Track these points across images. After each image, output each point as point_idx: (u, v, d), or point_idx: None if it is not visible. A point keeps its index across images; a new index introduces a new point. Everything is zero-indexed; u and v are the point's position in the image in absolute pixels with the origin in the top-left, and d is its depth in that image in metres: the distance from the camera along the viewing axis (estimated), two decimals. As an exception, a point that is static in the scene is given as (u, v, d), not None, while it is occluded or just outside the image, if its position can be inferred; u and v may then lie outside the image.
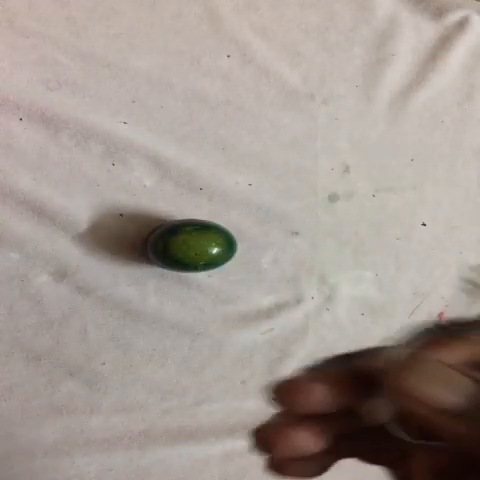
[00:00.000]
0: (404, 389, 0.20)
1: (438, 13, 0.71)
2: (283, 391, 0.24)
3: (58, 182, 0.63)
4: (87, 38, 0.62)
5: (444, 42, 0.71)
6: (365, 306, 0.73)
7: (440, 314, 0.76)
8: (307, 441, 0.23)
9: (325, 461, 0.24)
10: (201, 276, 0.68)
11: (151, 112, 0.64)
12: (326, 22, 0.68)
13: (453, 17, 0.71)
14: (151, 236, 0.62)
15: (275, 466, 0.24)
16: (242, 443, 0.71)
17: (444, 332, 0.23)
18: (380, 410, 0.21)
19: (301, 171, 0.69)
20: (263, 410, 0.80)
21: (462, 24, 0.71)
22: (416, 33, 0.71)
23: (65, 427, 0.66)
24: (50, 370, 0.65)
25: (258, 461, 0.79)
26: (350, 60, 0.69)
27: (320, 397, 0.23)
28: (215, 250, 0.61)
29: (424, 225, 0.74)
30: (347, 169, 0.71)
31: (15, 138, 0.61)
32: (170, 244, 0.60)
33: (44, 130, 0.61)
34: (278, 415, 0.24)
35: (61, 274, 0.64)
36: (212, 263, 0.62)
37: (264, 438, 0.24)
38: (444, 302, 0.76)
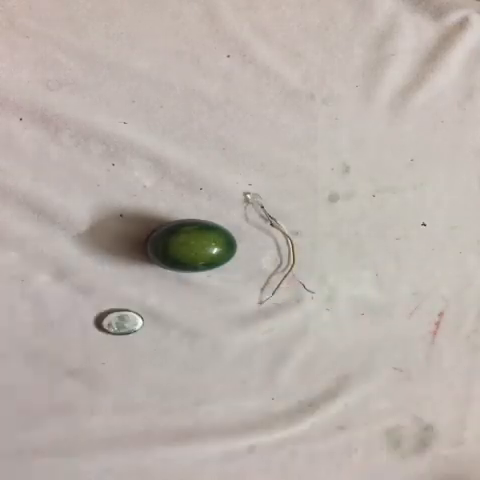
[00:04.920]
0: None
1: (438, 13, 0.71)
2: None
3: (58, 182, 0.63)
4: (87, 38, 0.62)
5: (444, 42, 0.71)
6: (365, 306, 0.73)
7: (440, 314, 0.76)
8: None
9: None
10: (201, 276, 0.68)
11: (151, 112, 0.64)
12: (326, 22, 0.68)
13: (453, 17, 0.71)
14: (151, 236, 0.62)
15: None
16: (242, 443, 0.71)
17: None
18: None
19: (301, 171, 0.69)
20: (263, 410, 0.80)
21: (462, 24, 0.71)
22: (416, 33, 0.70)
23: (65, 427, 0.66)
24: (50, 370, 0.65)
25: (258, 461, 0.79)
26: (350, 60, 0.69)
27: None
28: (215, 250, 0.61)
29: (424, 225, 0.74)
30: (347, 169, 0.71)
31: (15, 138, 0.61)
32: (170, 244, 0.60)
33: (44, 130, 0.61)
34: None
35: (61, 274, 0.64)
36: (212, 263, 0.62)
37: None
38: (444, 302, 0.76)
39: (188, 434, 0.70)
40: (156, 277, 0.66)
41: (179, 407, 0.69)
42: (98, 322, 0.66)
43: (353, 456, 0.76)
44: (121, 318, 0.66)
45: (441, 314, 0.76)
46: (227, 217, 0.67)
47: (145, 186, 0.65)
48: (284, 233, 0.69)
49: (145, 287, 0.66)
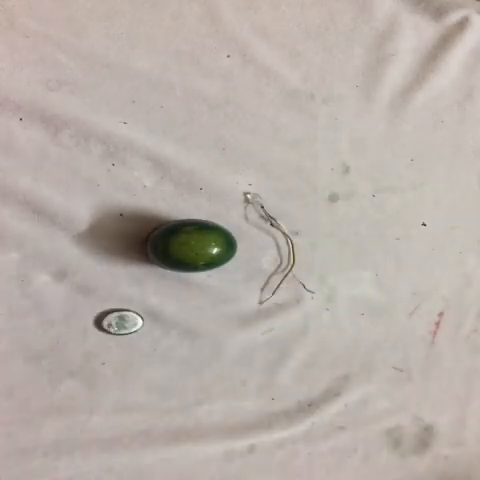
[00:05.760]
0: None
1: (438, 13, 0.71)
2: None
3: (58, 182, 0.63)
4: (87, 38, 0.62)
5: (444, 42, 0.71)
6: (365, 306, 0.73)
7: (440, 314, 0.76)
8: None
9: None
10: (201, 276, 0.68)
11: (151, 112, 0.64)
12: (326, 22, 0.68)
13: (453, 17, 0.71)
14: (151, 236, 0.62)
15: None
16: (242, 443, 0.71)
17: None
18: None
19: (301, 171, 0.69)
20: (263, 410, 0.80)
21: (462, 24, 0.71)
22: (416, 33, 0.71)
23: (65, 427, 0.66)
24: (50, 370, 0.65)
25: (258, 461, 0.79)
26: (350, 60, 0.69)
27: None
28: (215, 250, 0.61)
29: (424, 225, 0.74)
30: (347, 169, 0.71)
31: (15, 138, 0.61)
32: (170, 244, 0.60)
33: (44, 130, 0.61)
34: None
35: (61, 274, 0.64)
36: (212, 263, 0.62)
37: None
38: (444, 302, 0.76)
39: (188, 434, 0.70)
40: (156, 277, 0.67)
41: (179, 407, 0.69)
42: (98, 322, 0.66)
43: (353, 456, 0.76)
44: (121, 318, 0.66)
45: (441, 314, 0.76)
46: (227, 217, 0.67)
47: (145, 186, 0.65)
48: (284, 233, 0.69)
49: (145, 287, 0.67)
